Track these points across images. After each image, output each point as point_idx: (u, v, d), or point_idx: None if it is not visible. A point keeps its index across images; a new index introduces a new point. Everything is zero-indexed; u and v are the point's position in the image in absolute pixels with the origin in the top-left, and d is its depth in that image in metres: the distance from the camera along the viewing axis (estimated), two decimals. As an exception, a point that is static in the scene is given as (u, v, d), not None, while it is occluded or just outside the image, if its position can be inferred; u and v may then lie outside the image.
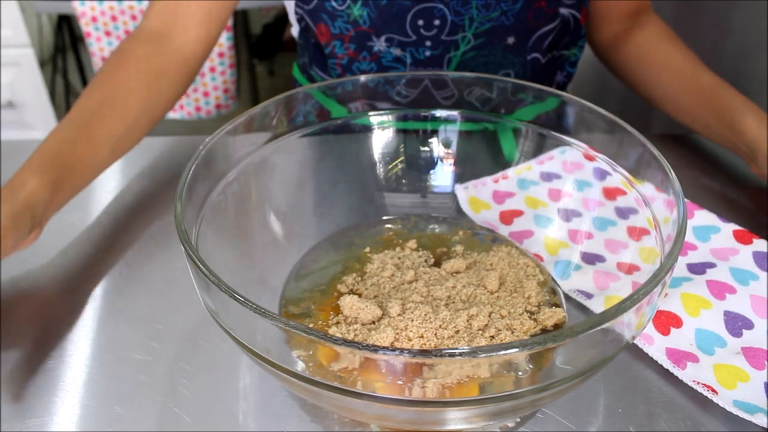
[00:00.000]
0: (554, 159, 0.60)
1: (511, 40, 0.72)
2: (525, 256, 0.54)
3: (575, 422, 0.45)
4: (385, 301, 0.48)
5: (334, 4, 0.70)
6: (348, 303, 0.47)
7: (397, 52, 0.72)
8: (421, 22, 0.69)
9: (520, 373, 0.36)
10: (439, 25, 0.70)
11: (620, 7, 0.78)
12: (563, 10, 0.73)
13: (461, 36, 0.71)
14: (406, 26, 0.70)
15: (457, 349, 0.31)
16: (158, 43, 0.68)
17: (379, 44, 0.71)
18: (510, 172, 0.63)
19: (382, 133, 0.61)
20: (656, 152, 0.45)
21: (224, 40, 1.64)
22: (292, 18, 0.80)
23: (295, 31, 0.84)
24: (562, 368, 0.35)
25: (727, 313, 0.50)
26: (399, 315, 0.46)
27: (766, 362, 0.47)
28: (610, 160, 0.52)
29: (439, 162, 0.62)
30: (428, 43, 0.71)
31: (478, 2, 0.69)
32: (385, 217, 0.60)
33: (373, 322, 0.46)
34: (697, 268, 0.54)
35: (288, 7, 0.80)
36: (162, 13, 0.69)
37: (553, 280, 0.53)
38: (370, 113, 0.60)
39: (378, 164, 0.62)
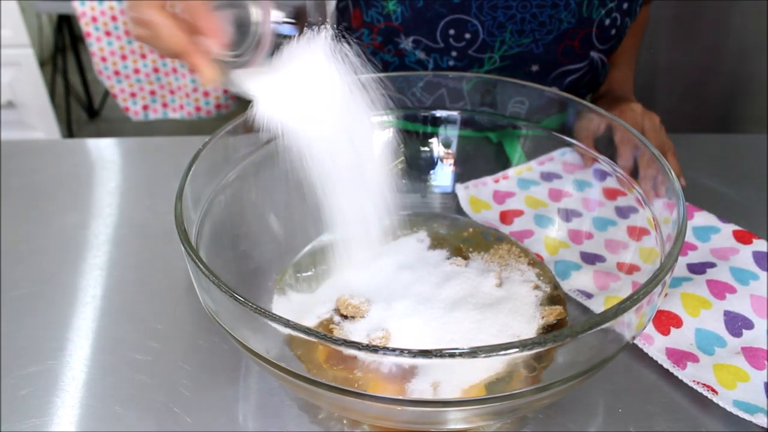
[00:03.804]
0: (554, 160, 0.60)
1: (535, 68, 0.71)
2: (527, 255, 0.54)
3: (575, 422, 0.45)
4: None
5: None
6: (345, 303, 0.47)
7: (421, 55, 0.71)
8: (452, 32, 0.69)
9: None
10: (470, 39, 0.69)
11: None
12: (594, 54, 0.72)
13: (488, 56, 0.70)
14: (437, 33, 0.69)
15: (457, 349, 0.31)
16: None
17: (406, 43, 0.71)
18: (510, 172, 0.63)
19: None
20: (656, 152, 0.45)
21: (224, 40, 1.64)
22: None
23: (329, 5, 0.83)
24: (562, 368, 0.35)
25: (727, 313, 0.50)
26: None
27: (766, 362, 0.47)
28: (610, 161, 0.52)
29: (440, 162, 0.62)
30: (454, 53, 0.70)
31: (512, 27, 0.68)
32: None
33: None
34: (697, 268, 0.54)
35: None
36: None
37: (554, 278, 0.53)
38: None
39: (378, 164, 0.62)
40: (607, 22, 0.69)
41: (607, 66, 0.76)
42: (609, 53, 0.74)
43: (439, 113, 0.60)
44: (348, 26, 0.77)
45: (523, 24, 0.67)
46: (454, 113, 0.60)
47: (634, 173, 0.50)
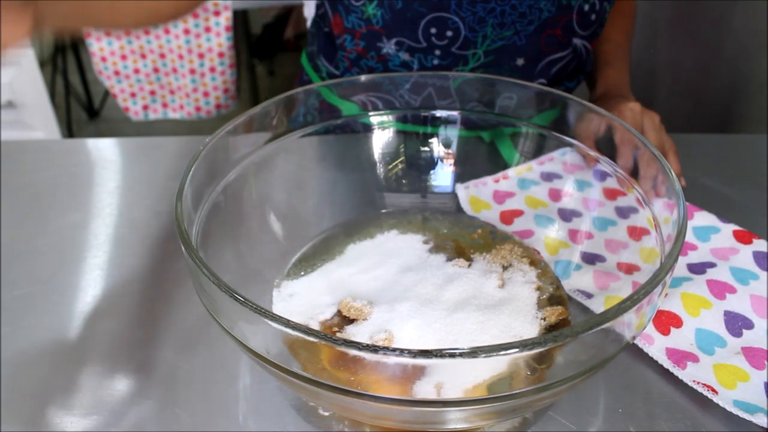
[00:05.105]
0: (554, 160, 0.60)
1: (520, 61, 0.72)
2: (529, 255, 0.54)
3: (575, 422, 0.45)
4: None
5: None
6: (347, 305, 0.47)
7: (405, 56, 0.71)
8: (433, 31, 0.69)
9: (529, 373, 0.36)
10: (452, 36, 0.69)
11: None
12: (576, 41, 0.72)
13: (472, 53, 0.70)
14: (418, 32, 0.69)
15: (457, 349, 0.31)
16: None
17: (389, 46, 0.71)
18: (510, 172, 0.63)
19: (382, 133, 0.61)
20: (656, 152, 0.45)
21: (224, 40, 1.64)
22: (310, 3, 0.80)
23: (308, 12, 0.83)
24: (562, 368, 0.35)
25: (727, 313, 0.50)
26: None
27: (766, 362, 0.47)
28: (610, 161, 0.52)
29: (439, 162, 0.62)
30: (438, 52, 0.70)
31: (493, 21, 0.68)
32: (384, 210, 0.60)
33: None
34: (698, 268, 0.54)
35: None
36: None
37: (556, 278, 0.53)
38: (371, 113, 0.60)
39: (378, 164, 0.62)
40: (587, 7, 0.70)
41: (592, 54, 0.77)
42: (591, 39, 0.74)
43: (438, 113, 0.60)
44: (329, 32, 0.77)
45: (503, 17, 0.67)
46: (447, 113, 0.60)
47: (635, 173, 0.50)
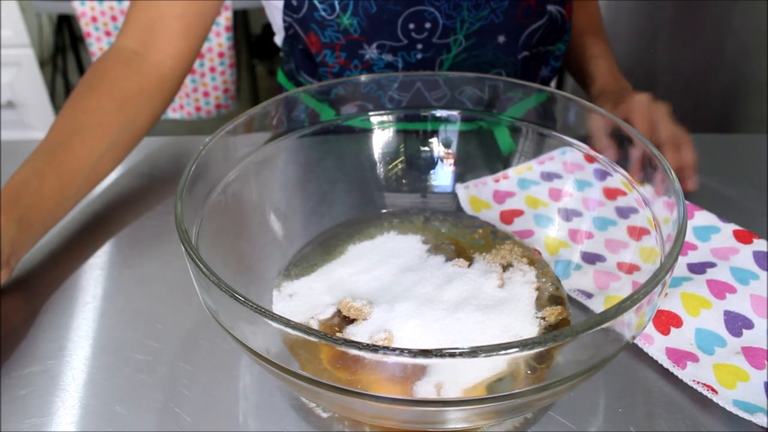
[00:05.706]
0: (555, 160, 0.60)
1: (501, 38, 0.72)
2: (529, 255, 0.54)
3: (575, 422, 0.45)
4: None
5: (323, 13, 0.70)
6: (347, 305, 0.47)
7: (388, 57, 0.72)
8: (412, 26, 0.69)
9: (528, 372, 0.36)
10: (431, 28, 0.70)
11: None
12: (550, 7, 0.74)
13: (453, 39, 0.71)
14: (398, 31, 0.69)
15: (457, 349, 0.31)
16: (134, 62, 0.65)
17: (371, 51, 0.71)
18: (510, 171, 0.63)
19: (382, 133, 0.61)
20: (656, 152, 0.45)
21: (224, 40, 1.64)
22: (277, 26, 0.80)
23: (278, 38, 0.83)
24: (562, 368, 0.35)
25: (727, 313, 0.50)
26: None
27: (766, 362, 0.47)
28: (610, 161, 0.52)
29: (439, 162, 0.62)
30: (420, 46, 0.71)
31: (468, 4, 0.69)
32: (384, 210, 0.60)
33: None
34: (698, 268, 0.54)
35: (270, 14, 0.79)
36: (138, 30, 0.66)
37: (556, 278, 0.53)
38: (370, 113, 0.60)
39: (378, 164, 0.62)
40: None
41: (568, 23, 0.78)
42: (564, 4, 0.75)
43: (438, 113, 0.60)
44: (304, 49, 0.76)
45: None
46: (447, 113, 0.60)
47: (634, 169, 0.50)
